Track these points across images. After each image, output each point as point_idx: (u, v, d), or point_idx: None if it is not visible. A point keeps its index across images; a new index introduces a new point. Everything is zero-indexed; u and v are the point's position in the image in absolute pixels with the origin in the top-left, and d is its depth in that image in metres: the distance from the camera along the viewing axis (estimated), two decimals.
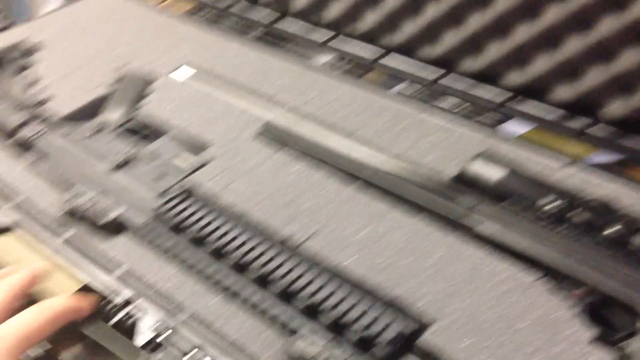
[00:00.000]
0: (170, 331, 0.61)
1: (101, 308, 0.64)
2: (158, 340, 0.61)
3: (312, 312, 0.62)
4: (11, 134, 0.83)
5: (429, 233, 0.71)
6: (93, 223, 0.71)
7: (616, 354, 0.58)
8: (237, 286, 0.65)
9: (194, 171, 0.79)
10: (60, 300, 0.56)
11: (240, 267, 0.66)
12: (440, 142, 0.82)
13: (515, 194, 0.72)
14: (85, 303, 0.57)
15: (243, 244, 0.67)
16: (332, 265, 0.67)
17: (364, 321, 0.60)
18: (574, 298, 0.63)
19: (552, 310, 0.62)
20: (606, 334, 0.60)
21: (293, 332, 0.61)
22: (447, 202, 0.72)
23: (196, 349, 0.60)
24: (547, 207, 0.70)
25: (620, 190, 0.75)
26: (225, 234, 0.69)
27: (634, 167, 0.85)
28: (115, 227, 0.72)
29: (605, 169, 0.79)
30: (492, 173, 0.75)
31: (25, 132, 0.83)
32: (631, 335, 0.60)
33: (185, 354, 0.60)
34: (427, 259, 0.68)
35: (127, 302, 0.64)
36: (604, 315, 0.62)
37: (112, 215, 0.71)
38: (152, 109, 0.90)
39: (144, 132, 0.88)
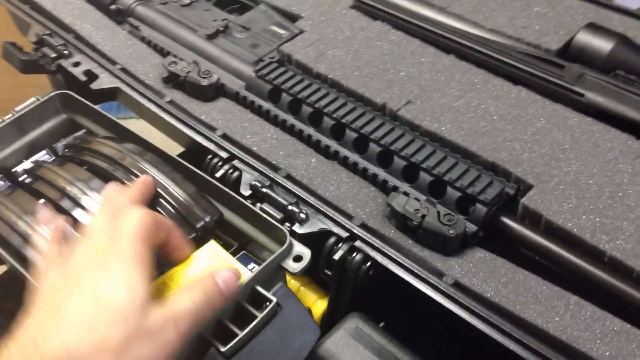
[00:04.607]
0: (268, 188, 0.63)
1: (206, 164, 0.66)
2: (258, 194, 0.63)
3: (411, 172, 0.63)
4: (111, 2, 0.85)
5: (531, 102, 0.69)
6: (194, 86, 0.73)
7: None
8: (335, 147, 0.66)
9: (288, 40, 0.78)
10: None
11: (339, 129, 0.67)
12: (546, 13, 0.78)
13: (626, 65, 0.69)
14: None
15: (341, 107, 0.68)
16: (429, 131, 0.67)
17: (464, 181, 0.60)
18: None
19: None
20: None
21: (393, 190, 0.62)
22: (551, 71, 0.69)
23: (293, 204, 0.62)
24: None
25: None
26: (322, 97, 0.69)
27: None
28: (215, 91, 0.74)
29: None
30: (601, 43, 0.71)
31: (124, 1, 0.84)
32: None
33: (283, 207, 0.62)
34: (528, 126, 0.66)
35: (230, 158, 0.66)
36: None
37: (214, 77, 0.72)
38: None
39: (237, 4, 0.87)
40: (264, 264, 0.50)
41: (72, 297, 0.43)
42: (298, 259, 0.52)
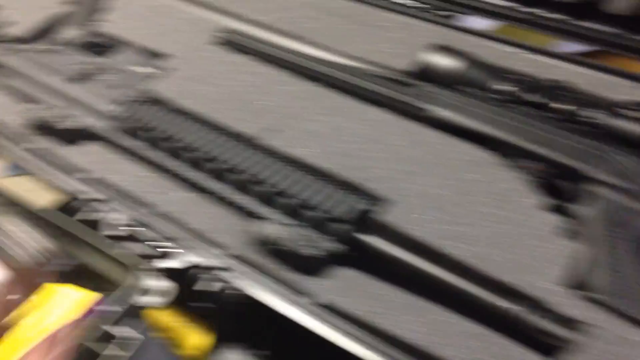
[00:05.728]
0: (135, 226, 0.63)
1: (74, 207, 0.66)
2: (125, 233, 0.63)
3: (274, 198, 0.64)
4: None
5: (385, 121, 0.72)
6: (57, 131, 0.73)
7: (560, 216, 0.61)
8: (201, 180, 0.67)
9: (152, 78, 0.79)
10: None
11: (203, 162, 0.68)
12: (397, 38, 0.83)
13: (471, 80, 0.74)
14: None
15: (203, 141, 0.69)
16: (292, 156, 0.69)
17: (322, 202, 0.62)
18: (524, 170, 0.66)
19: (504, 181, 0.65)
20: (553, 200, 0.63)
21: (257, 217, 0.64)
22: (403, 90, 0.73)
23: (162, 241, 0.62)
24: (500, 89, 0.71)
25: (574, 72, 0.76)
26: (185, 133, 0.70)
27: (596, 55, 0.86)
28: (78, 134, 0.73)
29: (562, 57, 0.80)
30: (447, 62, 0.75)
31: None
32: (576, 200, 0.62)
33: (151, 245, 0.62)
34: (383, 144, 0.70)
35: (92, 200, 0.66)
36: (552, 183, 0.65)
37: (74, 121, 0.72)
38: (110, 23, 0.89)
39: (102, 47, 0.87)
40: (116, 304, 0.50)
41: None
42: (157, 294, 0.53)
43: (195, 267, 0.61)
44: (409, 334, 0.54)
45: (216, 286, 0.60)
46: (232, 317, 0.62)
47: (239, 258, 0.62)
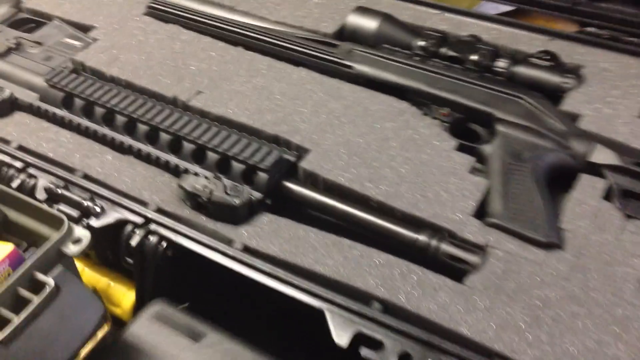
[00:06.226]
0: (63, 189, 0.64)
1: (2, 176, 0.67)
2: (54, 196, 0.64)
3: (200, 153, 0.66)
4: None
5: (310, 79, 0.75)
6: None
7: (473, 156, 0.65)
8: (129, 142, 0.69)
9: (81, 50, 0.80)
10: None
11: (131, 124, 0.69)
12: (324, 2, 0.85)
13: (391, 39, 0.76)
14: None
15: (131, 104, 0.70)
16: (218, 115, 0.71)
17: (246, 154, 0.64)
18: (440, 116, 0.68)
19: (421, 128, 0.67)
20: (467, 142, 0.66)
21: (184, 173, 0.65)
22: (326, 50, 0.76)
23: (88, 200, 0.63)
24: (421, 45, 0.74)
25: (492, 28, 0.79)
26: (113, 97, 0.71)
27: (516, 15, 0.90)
28: (8, 106, 0.74)
29: (481, 16, 0.83)
30: (369, 22, 0.78)
31: None
32: (486, 142, 0.66)
33: (79, 204, 0.63)
34: (306, 100, 0.72)
35: (25, 167, 0.67)
36: (466, 127, 0.68)
37: (6, 93, 0.73)
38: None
39: (32, 23, 0.88)
40: (41, 249, 0.51)
41: None
42: (77, 241, 0.54)
43: (126, 222, 0.62)
44: (330, 269, 0.57)
45: (145, 239, 0.61)
46: (159, 269, 0.63)
47: (167, 212, 0.63)
